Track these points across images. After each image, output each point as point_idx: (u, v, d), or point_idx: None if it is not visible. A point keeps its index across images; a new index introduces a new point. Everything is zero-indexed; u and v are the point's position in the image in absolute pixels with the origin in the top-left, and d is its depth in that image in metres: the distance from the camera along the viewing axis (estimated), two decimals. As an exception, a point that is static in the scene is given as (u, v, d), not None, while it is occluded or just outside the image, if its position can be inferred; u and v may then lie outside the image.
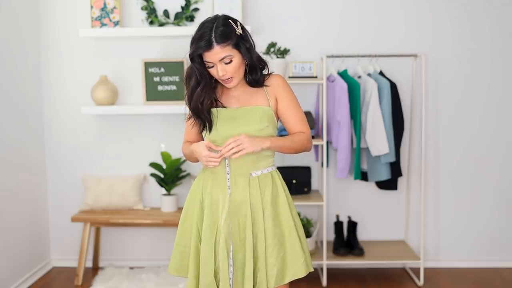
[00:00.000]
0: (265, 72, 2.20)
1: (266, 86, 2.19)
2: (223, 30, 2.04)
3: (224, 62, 2.06)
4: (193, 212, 2.21)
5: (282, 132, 3.63)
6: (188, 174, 3.87)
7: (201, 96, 2.12)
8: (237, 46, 2.06)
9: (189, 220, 2.22)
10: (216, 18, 2.08)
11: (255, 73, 2.15)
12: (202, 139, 2.25)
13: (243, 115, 2.14)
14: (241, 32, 2.09)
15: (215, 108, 2.16)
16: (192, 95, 2.13)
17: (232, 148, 2.04)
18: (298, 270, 2.17)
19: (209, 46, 2.02)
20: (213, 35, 2.02)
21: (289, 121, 2.20)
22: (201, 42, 2.03)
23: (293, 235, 2.18)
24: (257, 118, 2.13)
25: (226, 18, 2.09)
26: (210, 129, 2.16)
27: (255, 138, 2.07)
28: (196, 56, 2.08)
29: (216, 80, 2.19)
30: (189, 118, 2.21)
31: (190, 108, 2.16)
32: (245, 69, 2.14)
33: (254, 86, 2.18)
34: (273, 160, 2.24)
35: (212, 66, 2.07)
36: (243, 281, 2.15)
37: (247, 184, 2.15)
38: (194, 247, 2.17)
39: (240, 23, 2.11)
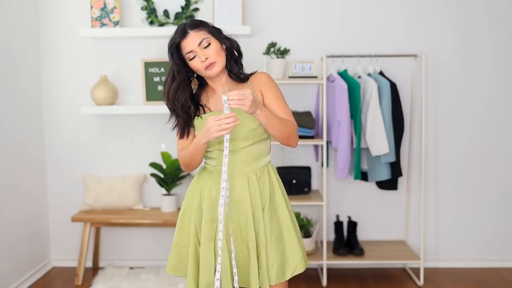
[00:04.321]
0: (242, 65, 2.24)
1: (252, 84, 2.20)
2: (194, 21, 2.16)
3: (202, 46, 2.10)
4: (191, 212, 2.21)
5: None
6: (188, 174, 3.87)
7: (177, 91, 2.14)
8: (211, 33, 2.13)
9: (187, 220, 2.22)
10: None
11: (236, 62, 2.19)
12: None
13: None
14: (213, 25, 2.17)
15: (205, 114, 2.16)
16: (169, 91, 2.15)
17: (238, 100, 1.95)
18: (298, 265, 2.18)
19: (184, 34, 2.10)
20: (186, 24, 2.13)
21: (274, 112, 2.14)
22: (176, 34, 2.12)
23: (291, 231, 2.19)
24: (250, 118, 2.12)
25: (196, 19, 2.23)
26: (188, 131, 2.16)
27: (257, 102, 2.02)
28: (175, 51, 2.13)
29: (199, 84, 2.21)
30: (175, 128, 2.20)
31: (168, 106, 2.18)
32: (226, 58, 2.17)
33: (239, 81, 2.19)
34: (269, 157, 2.24)
35: (194, 57, 2.10)
36: (248, 280, 2.15)
37: (246, 182, 2.15)
38: (192, 247, 2.17)
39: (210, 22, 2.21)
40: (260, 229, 2.14)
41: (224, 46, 2.15)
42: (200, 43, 2.09)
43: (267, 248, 2.14)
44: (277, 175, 2.26)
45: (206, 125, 2.00)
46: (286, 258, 2.17)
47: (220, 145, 2.13)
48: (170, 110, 2.18)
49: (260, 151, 2.18)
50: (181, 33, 2.11)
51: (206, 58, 2.09)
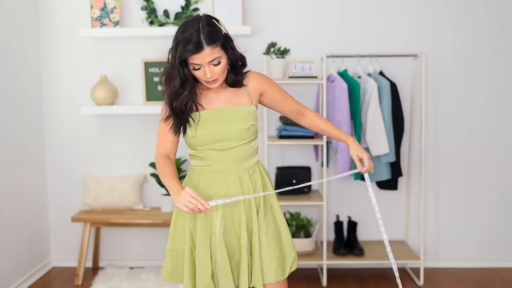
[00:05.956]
0: (244, 70, 2.17)
1: (247, 85, 2.17)
2: (211, 30, 1.98)
3: (213, 64, 2.00)
4: (184, 216, 2.17)
5: (282, 132, 3.64)
6: (188, 174, 3.87)
7: (186, 98, 2.06)
8: (224, 47, 2.02)
9: (181, 224, 2.19)
10: (199, 18, 2.02)
11: (236, 73, 2.12)
12: (177, 145, 2.18)
13: (228, 115, 2.11)
14: (226, 31, 2.05)
15: (197, 112, 2.11)
16: (176, 96, 2.06)
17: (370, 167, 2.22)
18: (293, 262, 2.19)
19: (199, 49, 1.95)
20: (201, 36, 1.95)
21: (289, 106, 2.26)
22: (189, 45, 1.95)
23: (286, 228, 2.21)
24: (243, 117, 2.11)
25: (209, 17, 2.04)
26: (185, 130, 2.12)
27: (359, 145, 2.25)
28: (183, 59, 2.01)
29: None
30: (166, 119, 2.11)
31: (173, 109, 2.07)
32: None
33: (234, 87, 2.15)
34: (258, 157, 2.23)
35: (199, 68, 2.01)
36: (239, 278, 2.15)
37: (238, 181, 2.13)
38: (188, 251, 2.15)
39: (221, 22, 2.07)
40: (254, 228, 2.13)
41: (231, 58, 2.08)
42: (212, 61, 1.99)
43: (261, 246, 2.13)
44: (267, 171, 2.26)
45: (183, 193, 1.93)
46: (284, 255, 2.18)
47: (210, 145, 2.11)
48: (171, 111, 2.09)
49: (250, 149, 2.17)
50: (196, 47, 1.95)
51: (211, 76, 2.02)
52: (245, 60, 2.14)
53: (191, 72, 2.04)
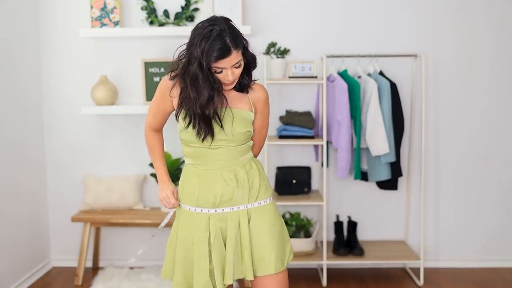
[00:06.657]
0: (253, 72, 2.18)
1: (250, 94, 2.16)
2: (233, 33, 1.98)
3: (235, 66, 2.01)
4: (181, 215, 2.19)
5: (282, 132, 3.64)
6: (188, 174, 3.87)
7: (220, 101, 2.05)
8: (244, 48, 2.04)
9: (179, 224, 2.20)
10: (218, 20, 2.01)
11: (249, 74, 2.13)
12: (164, 122, 2.27)
13: (227, 116, 2.11)
14: (243, 35, 2.07)
15: (229, 109, 2.11)
16: (209, 103, 2.02)
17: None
18: (290, 254, 2.20)
19: (227, 53, 1.96)
20: (227, 40, 1.96)
21: (255, 136, 2.25)
22: (216, 50, 1.95)
23: (281, 220, 2.22)
24: (241, 121, 2.12)
25: (227, 19, 2.04)
26: (209, 135, 2.10)
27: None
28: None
29: None
30: (194, 128, 2.07)
31: (204, 116, 2.04)
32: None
33: (240, 91, 2.15)
34: (251, 152, 2.23)
35: (220, 71, 2.01)
36: (224, 272, 2.13)
37: (234, 177, 2.13)
38: (184, 248, 2.15)
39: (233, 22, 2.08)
40: (251, 221, 2.13)
41: (247, 59, 2.08)
42: (236, 63, 2.00)
43: (258, 239, 2.12)
44: (263, 169, 2.27)
45: (166, 192, 2.22)
46: (283, 245, 2.17)
47: (202, 143, 2.11)
48: (202, 119, 2.04)
49: (244, 148, 2.17)
50: (224, 52, 1.95)
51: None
52: (256, 62, 2.14)
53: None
